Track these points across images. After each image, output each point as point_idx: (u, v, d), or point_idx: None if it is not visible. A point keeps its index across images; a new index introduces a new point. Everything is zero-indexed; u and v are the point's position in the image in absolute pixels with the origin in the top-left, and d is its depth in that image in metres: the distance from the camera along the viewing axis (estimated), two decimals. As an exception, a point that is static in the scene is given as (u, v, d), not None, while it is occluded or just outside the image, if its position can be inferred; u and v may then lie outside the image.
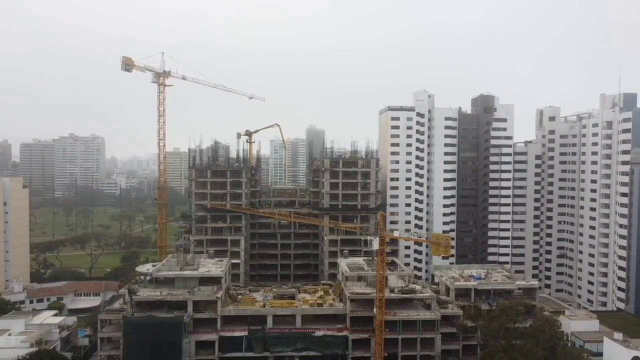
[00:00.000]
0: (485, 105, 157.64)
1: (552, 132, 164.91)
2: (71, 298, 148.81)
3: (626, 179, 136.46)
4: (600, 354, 77.92)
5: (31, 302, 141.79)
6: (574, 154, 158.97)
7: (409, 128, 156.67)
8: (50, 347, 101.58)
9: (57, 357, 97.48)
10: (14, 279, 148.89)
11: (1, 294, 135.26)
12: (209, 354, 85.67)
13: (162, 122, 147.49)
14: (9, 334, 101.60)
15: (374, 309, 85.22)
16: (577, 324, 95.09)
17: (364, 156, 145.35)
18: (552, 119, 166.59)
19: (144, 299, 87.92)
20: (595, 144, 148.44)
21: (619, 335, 77.03)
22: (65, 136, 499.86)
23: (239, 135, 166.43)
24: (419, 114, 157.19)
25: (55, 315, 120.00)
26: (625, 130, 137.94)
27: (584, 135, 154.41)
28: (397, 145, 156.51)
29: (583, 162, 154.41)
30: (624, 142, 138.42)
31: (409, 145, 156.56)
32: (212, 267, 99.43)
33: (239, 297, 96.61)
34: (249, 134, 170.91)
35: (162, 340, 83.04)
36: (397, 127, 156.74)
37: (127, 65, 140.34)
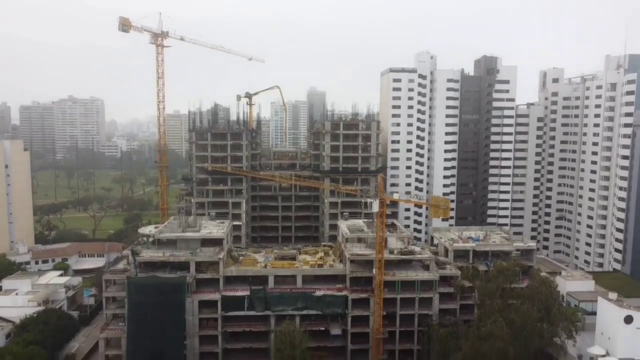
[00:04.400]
0: (488, 67, 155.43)
1: (555, 94, 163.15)
2: (75, 259, 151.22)
3: (628, 141, 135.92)
4: (595, 314, 79.47)
5: (36, 263, 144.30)
6: (576, 116, 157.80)
7: (411, 90, 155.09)
8: (57, 306, 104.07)
9: (64, 315, 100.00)
10: (18, 240, 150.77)
11: (6, 255, 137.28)
12: (211, 313, 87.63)
13: (161, 84, 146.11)
14: (16, 294, 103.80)
15: (374, 270, 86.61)
16: (572, 285, 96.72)
17: (365, 119, 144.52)
18: (555, 80, 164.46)
19: (147, 259, 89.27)
20: (598, 106, 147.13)
21: (613, 295, 78.36)
22: (64, 98, 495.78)
23: (238, 98, 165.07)
24: (420, 76, 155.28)
25: (61, 275, 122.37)
26: (629, 92, 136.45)
27: (587, 98, 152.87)
28: (399, 107, 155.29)
29: (585, 125, 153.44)
30: (627, 104, 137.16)
31: (411, 107, 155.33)
32: (213, 229, 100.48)
33: (241, 258, 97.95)
34: (249, 96, 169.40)
35: (165, 300, 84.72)
36: (398, 89, 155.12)
37: (124, 26, 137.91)
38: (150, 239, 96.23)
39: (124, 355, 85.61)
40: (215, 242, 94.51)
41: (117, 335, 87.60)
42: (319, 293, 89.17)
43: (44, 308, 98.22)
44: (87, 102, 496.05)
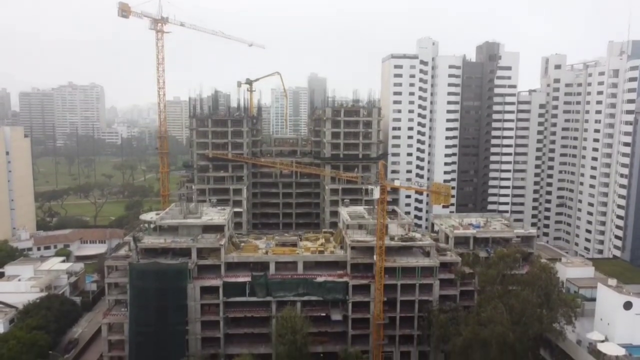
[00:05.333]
0: (490, 53, 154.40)
1: (557, 80, 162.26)
2: (77, 245, 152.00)
3: (630, 128, 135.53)
4: (594, 300, 79.91)
5: (38, 249, 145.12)
6: (578, 102, 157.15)
7: (412, 76, 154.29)
8: (59, 292, 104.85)
9: (66, 301, 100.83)
10: (20, 227, 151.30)
11: (8, 241, 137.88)
12: (213, 299, 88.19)
13: (161, 70, 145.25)
14: (19, 280, 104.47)
15: (374, 256, 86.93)
16: (572, 271, 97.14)
17: (366, 105, 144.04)
18: (557, 67, 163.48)
19: (149, 246, 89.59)
20: (600, 92, 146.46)
21: (613, 282, 78.72)
22: (64, 85, 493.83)
23: (239, 84, 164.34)
24: (422, 62, 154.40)
25: (63, 261, 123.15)
26: (632, 79, 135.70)
27: (589, 84, 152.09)
28: (400, 94, 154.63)
29: (587, 112, 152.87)
30: (629, 90, 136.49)
31: (412, 94, 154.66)
32: (214, 215, 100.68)
33: (242, 244, 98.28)
34: (249, 82, 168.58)
35: (167, 285, 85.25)
36: (399, 76, 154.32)
37: (124, 11, 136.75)
38: (152, 226, 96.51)
39: (127, 340, 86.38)
40: (217, 228, 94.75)
41: (120, 321, 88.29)
42: (319, 279, 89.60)
43: (46, 294, 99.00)
44: (86, 89, 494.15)
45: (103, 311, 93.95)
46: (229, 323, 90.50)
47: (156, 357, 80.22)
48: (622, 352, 67.21)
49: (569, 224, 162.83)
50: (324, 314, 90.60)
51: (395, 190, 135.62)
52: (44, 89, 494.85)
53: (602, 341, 70.81)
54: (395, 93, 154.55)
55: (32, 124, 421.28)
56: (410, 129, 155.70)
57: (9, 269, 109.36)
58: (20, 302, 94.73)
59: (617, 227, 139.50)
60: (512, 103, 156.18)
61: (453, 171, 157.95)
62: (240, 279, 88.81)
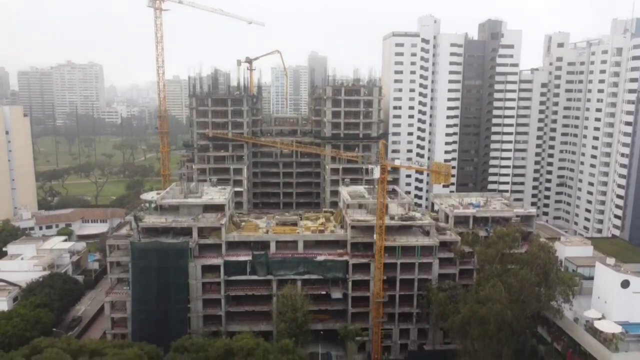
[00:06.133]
0: (492, 31, 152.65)
1: (559, 59, 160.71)
2: (79, 224, 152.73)
3: (632, 107, 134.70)
4: (592, 278, 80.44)
5: (40, 228, 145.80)
6: (580, 81, 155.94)
7: (413, 55, 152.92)
8: (62, 271, 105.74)
9: (69, 279, 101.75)
10: (21, 206, 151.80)
11: (10, 220, 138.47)
12: (214, 277, 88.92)
13: (160, 49, 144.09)
14: (21, 259, 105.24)
15: (374, 235, 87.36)
16: (571, 250, 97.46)
17: (366, 84, 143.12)
18: (560, 45, 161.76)
19: (150, 225, 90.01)
20: (603, 71, 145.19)
21: (611, 261, 78.99)
22: (62, 64, 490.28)
23: (239, 63, 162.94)
24: (423, 40, 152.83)
25: (65, 240, 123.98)
26: (635, 57, 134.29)
27: (592, 63, 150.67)
28: (401, 72, 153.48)
29: (589, 91, 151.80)
30: (632, 69, 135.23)
31: (413, 72, 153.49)
32: (215, 195, 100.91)
33: (243, 224, 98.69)
34: (249, 61, 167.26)
35: (168, 264, 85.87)
36: (401, 54, 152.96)
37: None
38: (153, 205, 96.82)
39: (129, 318, 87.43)
40: (217, 208, 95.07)
41: (122, 299, 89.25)
42: (320, 258, 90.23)
43: (49, 272, 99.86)
44: (85, 68, 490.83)
45: (105, 289, 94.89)
46: (230, 301, 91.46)
47: (158, 335, 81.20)
48: (618, 329, 67.95)
49: (568, 204, 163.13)
50: (324, 292, 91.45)
51: (395, 169, 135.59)
52: (42, 67, 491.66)
53: (599, 319, 71.53)
54: (396, 72, 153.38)
55: (31, 104, 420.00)
56: (411, 108, 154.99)
57: (11, 248, 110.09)
58: (23, 280, 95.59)
59: (617, 206, 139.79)
60: (514, 82, 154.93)
61: (454, 150, 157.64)
62: (241, 258, 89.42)
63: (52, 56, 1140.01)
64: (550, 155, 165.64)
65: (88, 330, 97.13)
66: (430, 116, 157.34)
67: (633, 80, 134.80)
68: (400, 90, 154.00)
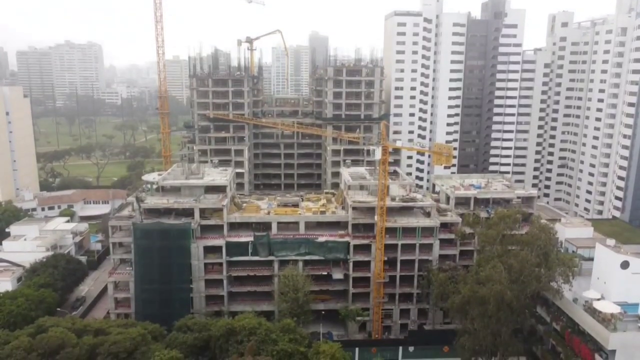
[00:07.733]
0: (495, 11, 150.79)
1: (563, 39, 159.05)
2: (81, 206, 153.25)
3: (635, 88, 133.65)
4: (592, 259, 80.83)
5: (42, 209, 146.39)
6: (584, 62, 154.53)
7: (416, 34, 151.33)
8: (65, 252, 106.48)
9: (72, 260, 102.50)
10: (23, 187, 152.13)
11: (12, 201, 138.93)
12: (216, 258, 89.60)
13: (159, 28, 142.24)
14: (25, 239, 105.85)
15: (375, 217, 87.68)
16: (571, 231, 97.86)
17: (368, 64, 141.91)
18: (564, 25, 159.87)
19: (152, 206, 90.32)
20: (607, 51, 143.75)
21: (611, 242, 79.33)
22: (61, 43, 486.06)
23: (239, 42, 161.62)
24: (426, 20, 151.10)
25: (67, 221, 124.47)
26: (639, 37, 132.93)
27: (596, 43, 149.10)
28: (403, 52, 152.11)
29: (593, 71, 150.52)
30: (636, 49, 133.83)
31: (415, 52, 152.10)
32: (216, 176, 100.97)
33: (244, 205, 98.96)
34: (249, 40, 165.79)
35: (171, 245, 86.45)
36: (403, 34, 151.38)
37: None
38: (154, 186, 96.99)
39: (132, 297, 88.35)
40: (219, 189, 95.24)
41: (125, 279, 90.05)
42: (321, 239, 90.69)
43: (52, 253, 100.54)
44: (84, 48, 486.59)
45: (108, 270, 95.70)
46: (232, 281, 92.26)
47: (161, 314, 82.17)
48: (617, 309, 68.53)
49: (569, 185, 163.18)
50: (325, 273, 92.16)
51: (396, 150, 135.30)
52: (41, 47, 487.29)
53: (598, 299, 72.10)
54: (398, 52, 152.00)
55: (30, 84, 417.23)
56: (413, 88, 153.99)
57: (14, 229, 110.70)
58: (27, 261, 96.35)
59: (618, 187, 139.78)
60: (517, 62, 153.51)
61: (455, 132, 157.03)
62: (243, 239, 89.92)
63: (50, 35, 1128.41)
64: (552, 137, 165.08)
65: (92, 310, 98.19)
66: (432, 97, 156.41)
67: (637, 60, 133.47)
68: (402, 70, 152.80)
